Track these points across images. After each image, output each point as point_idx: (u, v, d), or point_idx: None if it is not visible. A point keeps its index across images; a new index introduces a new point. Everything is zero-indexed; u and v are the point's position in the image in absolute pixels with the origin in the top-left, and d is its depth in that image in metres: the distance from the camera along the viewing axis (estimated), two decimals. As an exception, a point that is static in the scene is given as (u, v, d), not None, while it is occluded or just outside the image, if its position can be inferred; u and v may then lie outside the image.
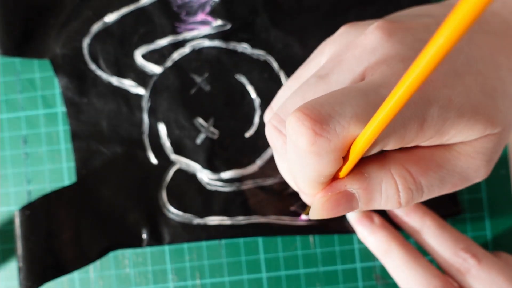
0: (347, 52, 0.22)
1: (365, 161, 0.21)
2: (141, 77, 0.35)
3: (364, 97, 0.19)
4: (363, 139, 0.18)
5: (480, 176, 0.22)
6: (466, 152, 0.21)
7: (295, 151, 0.19)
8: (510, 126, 0.22)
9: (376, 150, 0.19)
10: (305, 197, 0.23)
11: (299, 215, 0.34)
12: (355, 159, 0.19)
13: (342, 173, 0.20)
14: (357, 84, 0.20)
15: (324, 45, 0.25)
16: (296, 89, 0.23)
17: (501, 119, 0.21)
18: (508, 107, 0.21)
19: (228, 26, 0.34)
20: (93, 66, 0.35)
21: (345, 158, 0.19)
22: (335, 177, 0.21)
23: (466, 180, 0.22)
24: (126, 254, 0.35)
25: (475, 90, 0.20)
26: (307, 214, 0.32)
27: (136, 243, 0.34)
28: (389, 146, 0.19)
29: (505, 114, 0.21)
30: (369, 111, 0.18)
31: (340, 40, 0.24)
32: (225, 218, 0.34)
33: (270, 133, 0.23)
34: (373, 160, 0.21)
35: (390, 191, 0.20)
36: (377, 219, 0.32)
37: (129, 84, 0.35)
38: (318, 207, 0.20)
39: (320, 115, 0.18)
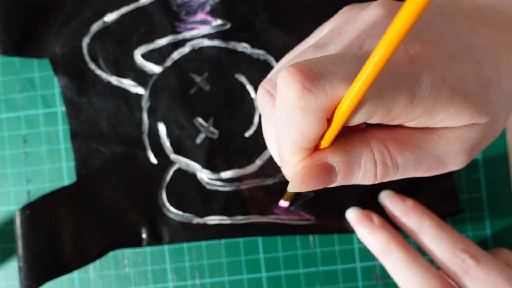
0: (347, 25, 0.22)
1: (346, 136, 0.21)
2: (141, 77, 0.35)
3: (359, 62, 0.19)
4: (348, 99, 0.18)
5: (457, 164, 0.22)
6: (446, 137, 0.21)
7: (283, 106, 0.19)
8: (497, 119, 0.22)
9: (363, 118, 0.19)
10: (286, 170, 0.23)
11: (300, 214, 0.34)
12: (339, 123, 0.19)
13: (324, 143, 0.20)
14: (353, 51, 0.20)
15: (325, 23, 0.25)
16: (292, 57, 0.23)
17: (490, 110, 0.21)
18: (500, 99, 0.21)
19: (228, 26, 0.34)
20: (92, 66, 0.35)
21: (329, 122, 0.19)
22: (316, 149, 0.21)
23: (442, 165, 0.22)
24: (126, 254, 0.35)
25: (470, 77, 0.20)
26: (286, 199, 0.32)
27: (135, 242, 0.34)
28: (376, 117, 0.19)
29: (494, 106, 0.21)
30: None
31: (340, 17, 0.24)
32: (224, 217, 0.34)
33: (261, 96, 0.23)
34: (354, 135, 0.21)
35: (368, 165, 0.21)
36: (376, 219, 0.32)
37: (128, 84, 0.35)
38: (298, 178, 0.20)
39: (312, 71, 0.18)
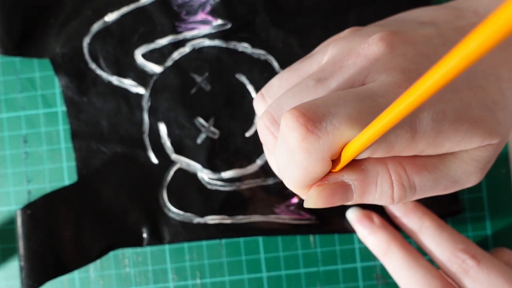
0: (349, 59, 0.22)
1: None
2: (141, 77, 0.35)
3: (360, 101, 0.19)
4: (357, 143, 0.18)
5: (471, 182, 0.23)
6: (462, 158, 0.22)
7: (286, 147, 0.19)
8: (507, 137, 0.22)
9: (364, 155, 0.19)
10: (299, 194, 0.23)
11: (300, 214, 0.34)
12: (347, 161, 0.19)
13: (335, 170, 0.21)
14: (355, 88, 0.20)
15: (327, 44, 0.25)
16: (293, 87, 0.23)
17: (500, 131, 0.21)
18: (508, 119, 0.22)
19: (229, 26, 0.34)
20: (93, 66, 0.35)
21: (335, 162, 0.20)
22: (329, 172, 0.21)
23: (458, 184, 0.22)
24: (126, 254, 0.35)
25: (474, 104, 0.21)
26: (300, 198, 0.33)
27: (136, 242, 0.34)
28: (378, 153, 0.19)
29: (504, 126, 0.22)
30: (363, 115, 0.19)
31: (343, 43, 0.24)
32: (225, 217, 0.34)
33: (262, 131, 0.23)
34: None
35: (385, 185, 0.21)
36: (377, 219, 0.32)
37: (129, 84, 0.35)
38: (314, 195, 0.21)
39: (315, 114, 0.19)
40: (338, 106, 0.19)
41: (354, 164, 0.21)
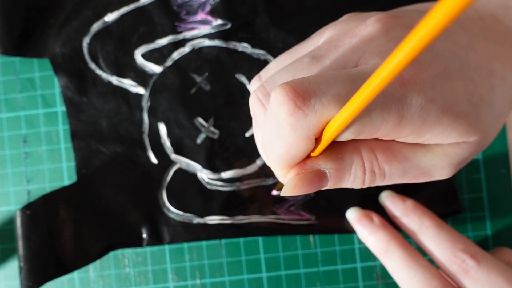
0: (344, 39, 0.22)
1: (338, 143, 0.22)
2: (141, 77, 0.35)
3: (351, 82, 0.19)
4: (338, 121, 0.18)
5: (442, 175, 0.23)
6: (435, 152, 0.22)
7: (274, 121, 0.20)
8: (487, 136, 0.22)
9: (350, 135, 0.20)
10: (276, 172, 0.24)
11: (300, 214, 0.34)
12: (328, 140, 0.20)
13: (314, 153, 0.21)
14: (348, 69, 0.20)
15: (324, 28, 0.25)
16: (288, 65, 0.23)
17: (480, 129, 0.21)
18: (491, 118, 0.22)
19: (228, 26, 0.34)
20: (93, 66, 0.35)
21: (317, 140, 0.20)
22: (307, 157, 0.22)
23: (427, 175, 0.23)
24: (126, 254, 0.35)
25: (462, 97, 0.21)
26: (279, 189, 0.32)
27: (136, 242, 0.34)
28: (364, 135, 0.20)
29: (485, 125, 0.22)
30: (352, 96, 0.19)
31: (340, 26, 0.24)
32: (225, 217, 0.34)
33: (253, 104, 0.23)
34: (346, 142, 0.22)
35: (358, 172, 0.21)
36: (376, 219, 0.32)
37: (129, 84, 0.35)
38: (291, 185, 0.21)
39: (305, 90, 0.19)
40: (329, 84, 0.19)
41: (331, 152, 0.21)
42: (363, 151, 0.21)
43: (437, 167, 0.22)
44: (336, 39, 0.23)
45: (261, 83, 0.24)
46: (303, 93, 0.19)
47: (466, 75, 0.21)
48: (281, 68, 0.23)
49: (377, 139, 0.22)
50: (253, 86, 0.27)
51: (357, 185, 0.22)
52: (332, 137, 0.19)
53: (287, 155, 0.20)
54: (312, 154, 0.21)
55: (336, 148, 0.21)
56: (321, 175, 0.21)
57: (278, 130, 0.20)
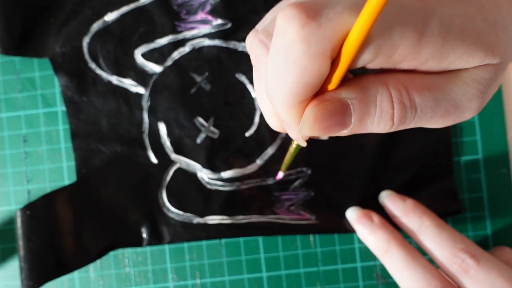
0: None
1: (360, 76, 0.20)
2: (141, 76, 0.35)
3: None
4: (354, 33, 0.16)
5: (472, 109, 0.21)
6: (463, 78, 0.20)
7: (282, 43, 0.17)
8: (507, 61, 0.21)
9: (369, 56, 0.18)
10: (290, 130, 0.21)
11: (300, 214, 0.34)
12: (347, 61, 0.17)
13: (331, 85, 0.19)
14: None
15: None
16: None
17: (502, 50, 0.20)
18: (508, 41, 0.21)
19: (229, 25, 0.34)
20: (93, 65, 0.35)
21: (334, 65, 0.18)
22: (323, 91, 0.19)
23: (459, 109, 0.21)
24: (126, 254, 0.35)
25: (477, 18, 0.20)
26: (284, 170, 0.29)
27: (136, 242, 0.34)
28: (382, 55, 0.18)
29: (505, 47, 0.20)
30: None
31: None
32: (225, 217, 0.34)
33: (256, 47, 0.21)
34: (369, 75, 0.20)
35: (385, 104, 0.19)
36: (376, 218, 0.32)
37: (129, 83, 0.35)
38: (311, 117, 0.18)
39: (316, 3, 0.17)
40: None
41: (352, 82, 0.19)
42: (388, 81, 0.19)
43: (468, 96, 0.20)
44: None
45: (263, 26, 0.22)
46: (314, 5, 0.17)
47: (476, 1, 0.20)
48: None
49: (402, 72, 0.20)
50: (249, 39, 0.25)
51: (385, 124, 0.19)
52: (351, 55, 0.17)
53: (299, 84, 0.18)
54: (330, 87, 0.19)
55: (356, 79, 0.19)
56: (344, 107, 0.18)
57: (288, 54, 0.17)
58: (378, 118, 0.19)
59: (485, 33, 0.19)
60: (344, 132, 0.19)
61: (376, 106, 0.19)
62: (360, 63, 0.18)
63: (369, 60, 0.18)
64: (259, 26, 0.24)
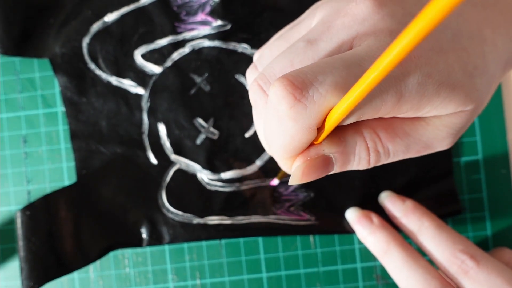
0: (337, 19, 0.22)
1: (338, 128, 0.22)
2: (141, 77, 0.35)
3: (346, 68, 0.19)
4: (339, 109, 0.18)
5: (443, 146, 0.23)
6: (434, 124, 0.22)
7: (274, 114, 0.20)
8: (482, 104, 0.23)
9: (352, 120, 0.20)
10: (282, 165, 0.24)
11: (300, 214, 0.34)
12: (331, 128, 0.20)
13: (317, 142, 0.22)
14: (342, 54, 0.20)
15: (315, 8, 0.25)
16: (284, 51, 0.23)
17: (475, 97, 0.22)
18: (485, 85, 0.22)
19: (228, 26, 0.34)
20: (92, 66, 0.35)
21: (320, 130, 0.20)
22: (310, 145, 0.22)
23: (430, 148, 0.23)
24: (126, 254, 0.35)
25: (457, 69, 0.21)
26: (280, 178, 0.33)
27: (136, 242, 0.34)
28: (365, 117, 0.20)
29: (480, 93, 0.22)
30: (349, 82, 0.19)
31: (332, 4, 0.23)
32: (225, 218, 0.34)
33: (254, 92, 0.24)
34: (346, 126, 0.22)
35: (362, 153, 0.22)
36: (376, 219, 0.32)
37: (128, 84, 0.35)
38: (299, 172, 0.21)
39: (302, 82, 0.19)
40: (325, 73, 0.19)
41: (333, 137, 0.21)
42: (364, 132, 0.22)
43: (438, 138, 0.23)
44: (328, 19, 0.23)
45: (261, 71, 0.24)
46: (301, 85, 0.19)
47: (458, 46, 0.21)
48: (278, 55, 0.23)
49: (377, 118, 0.22)
50: (249, 75, 0.27)
51: (363, 166, 0.22)
52: (334, 125, 0.20)
53: (289, 146, 0.21)
54: (315, 143, 0.21)
55: (337, 132, 0.22)
56: (326, 160, 0.21)
57: (280, 123, 0.20)
58: (357, 163, 0.22)
59: (461, 85, 0.21)
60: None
61: (355, 155, 0.22)
62: (344, 124, 0.20)
63: (352, 122, 0.20)
64: (258, 62, 0.26)
